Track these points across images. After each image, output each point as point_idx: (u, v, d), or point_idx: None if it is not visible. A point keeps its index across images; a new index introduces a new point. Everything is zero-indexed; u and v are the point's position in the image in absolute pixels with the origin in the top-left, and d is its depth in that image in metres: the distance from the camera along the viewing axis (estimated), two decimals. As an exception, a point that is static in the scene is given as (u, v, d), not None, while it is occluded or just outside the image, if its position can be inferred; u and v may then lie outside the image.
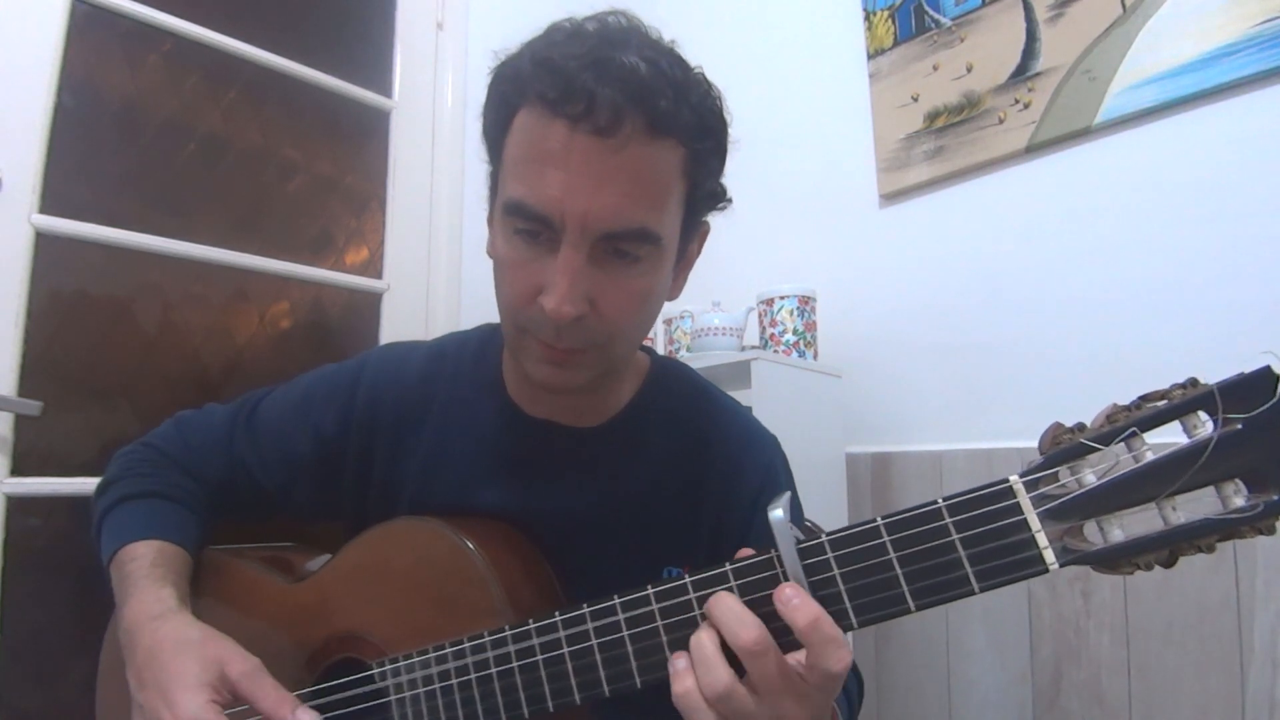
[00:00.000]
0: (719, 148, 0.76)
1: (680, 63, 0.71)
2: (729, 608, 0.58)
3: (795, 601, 0.56)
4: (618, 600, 0.64)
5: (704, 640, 0.58)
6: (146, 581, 0.79)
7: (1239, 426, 0.46)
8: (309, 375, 0.98)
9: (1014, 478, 0.52)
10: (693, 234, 0.81)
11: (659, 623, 0.62)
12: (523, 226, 0.70)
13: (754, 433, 0.95)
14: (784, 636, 0.57)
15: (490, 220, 0.81)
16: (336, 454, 0.92)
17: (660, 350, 1.91)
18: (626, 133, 0.66)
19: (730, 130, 0.76)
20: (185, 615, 0.76)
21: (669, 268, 0.78)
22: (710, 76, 0.76)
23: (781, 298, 1.69)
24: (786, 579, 0.58)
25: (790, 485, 0.94)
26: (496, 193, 0.76)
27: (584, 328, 0.71)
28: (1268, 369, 0.47)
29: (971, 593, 0.53)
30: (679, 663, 0.59)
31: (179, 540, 0.87)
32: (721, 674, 0.56)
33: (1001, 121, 1.59)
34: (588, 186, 0.67)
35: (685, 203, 0.75)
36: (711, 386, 0.97)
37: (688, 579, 0.62)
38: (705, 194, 0.78)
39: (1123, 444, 0.50)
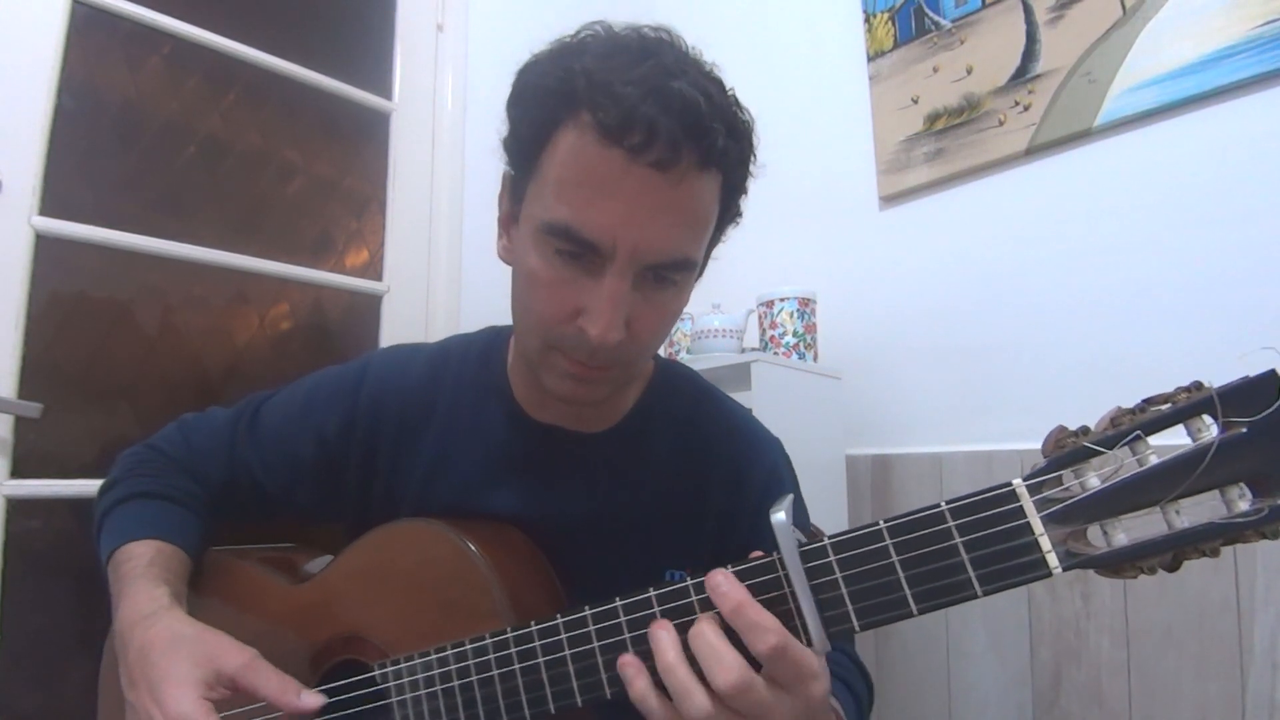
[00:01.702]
0: (748, 175, 0.77)
1: (724, 90, 0.71)
2: (708, 643, 0.57)
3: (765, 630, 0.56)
4: (620, 603, 0.64)
5: (678, 669, 0.58)
6: (141, 581, 0.79)
7: (1243, 430, 0.46)
8: (312, 377, 0.98)
9: (1017, 481, 0.52)
10: (713, 249, 0.82)
11: (661, 626, 0.62)
12: (565, 248, 0.69)
13: (758, 436, 0.95)
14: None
15: (507, 224, 0.81)
16: (339, 456, 0.92)
17: (660, 352, 1.91)
18: (682, 167, 0.66)
19: (757, 151, 0.77)
20: (177, 613, 0.76)
21: (693, 285, 0.80)
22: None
23: (781, 300, 1.69)
24: (789, 582, 0.58)
25: (794, 488, 0.95)
26: (523, 200, 0.75)
27: (618, 348, 0.71)
28: (1272, 373, 0.46)
29: (974, 596, 0.53)
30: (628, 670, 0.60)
31: (177, 541, 0.87)
32: (700, 700, 0.56)
33: (1001, 124, 1.59)
34: (642, 218, 0.67)
35: (716, 225, 0.76)
36: (715, 389, 0.97)
37: (689, 582, 0.61)
38: (730, 216, 0.79)
39: (1126, 447, 0.49)
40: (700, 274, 0.82)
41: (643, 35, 0.71)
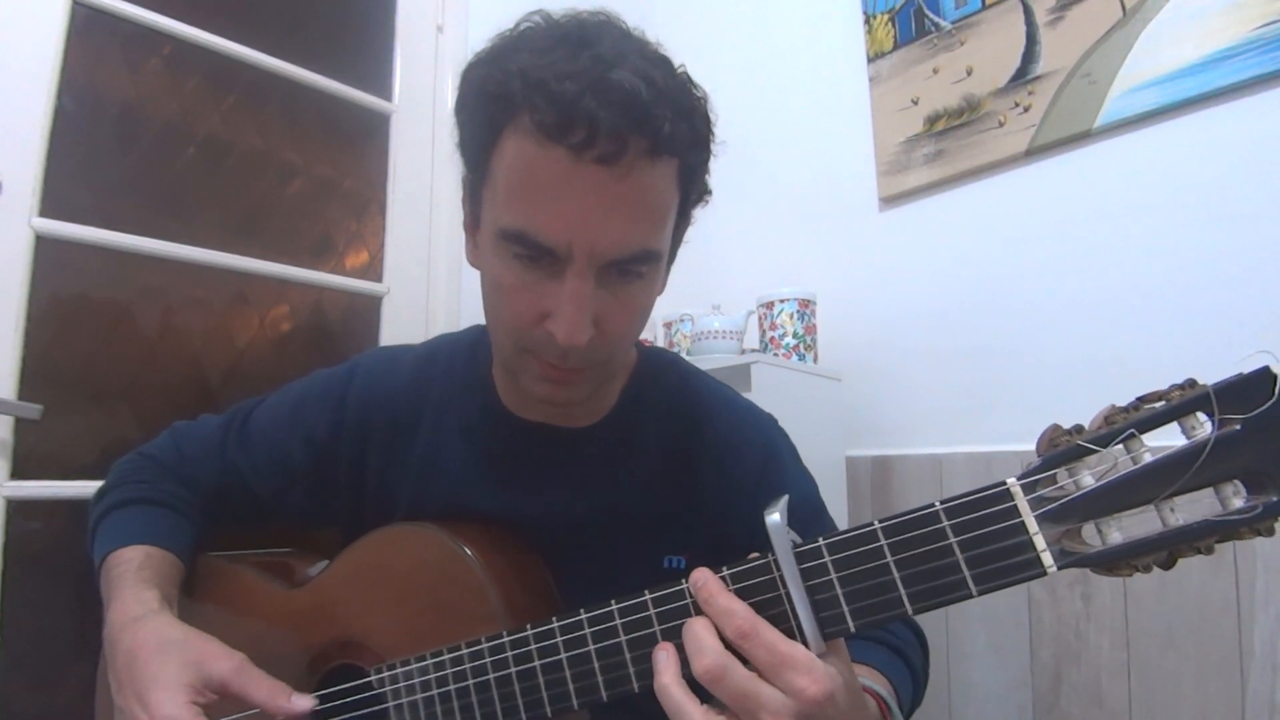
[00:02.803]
0: (708, 153, 0.75)
1: (670, 71, 0.70)
2: (692, 634, 0.58)
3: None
4: (615, 606, 0.64)
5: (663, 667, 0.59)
6: (130, 585, 0.79)
7: (1237, 427, 0.46)
8: (301, 381, 0.98)
9: (1011, 480, 0.52)
10: (682, 234, 0.81)
11: (656, 628, 0.62)
12: (523, 253, 0.68)
13: (746, 414, 0.94)
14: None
15: (470, 229, 0.80)
16: (330, 459, 0.92)
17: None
18: (629, 159, 0.65)
19: (715, 128, 0.75)
20: (166, 616, 0.76)
21: (664, 274, 0.79)
22: (710, 80, 0.75)
23: (781, 301, 1.69)
24: (784, 584, 0.57)
25: (795, 464, 0.94)
26: (480, 205, 0.75)
27: (590, 347, 0.70)
28: (1266, 369, 0.46)
29: (969, 596, 0.52)
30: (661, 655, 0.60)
31: (168, 545, 0.87)
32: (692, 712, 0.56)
33: (1001, 125, 1.59)
34: (594, 217, 0.66)
35: (679, 210, 0.75)
36: (699, 373, 0.97)
37: (684, 584, 0.61)
38: (695, 197, 0.78)
39: (1121, 445, 0.49)
40: (671, 261, 0.80)
41: (581, 23, 0.69)
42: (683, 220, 0.78)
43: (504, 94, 0.66)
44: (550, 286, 0.69)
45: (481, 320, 0.99)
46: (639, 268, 0.71)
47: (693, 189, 0.76)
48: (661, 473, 0.88)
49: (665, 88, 0.66)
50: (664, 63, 0.70)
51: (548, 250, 0.67)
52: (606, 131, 0.63)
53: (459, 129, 0.75)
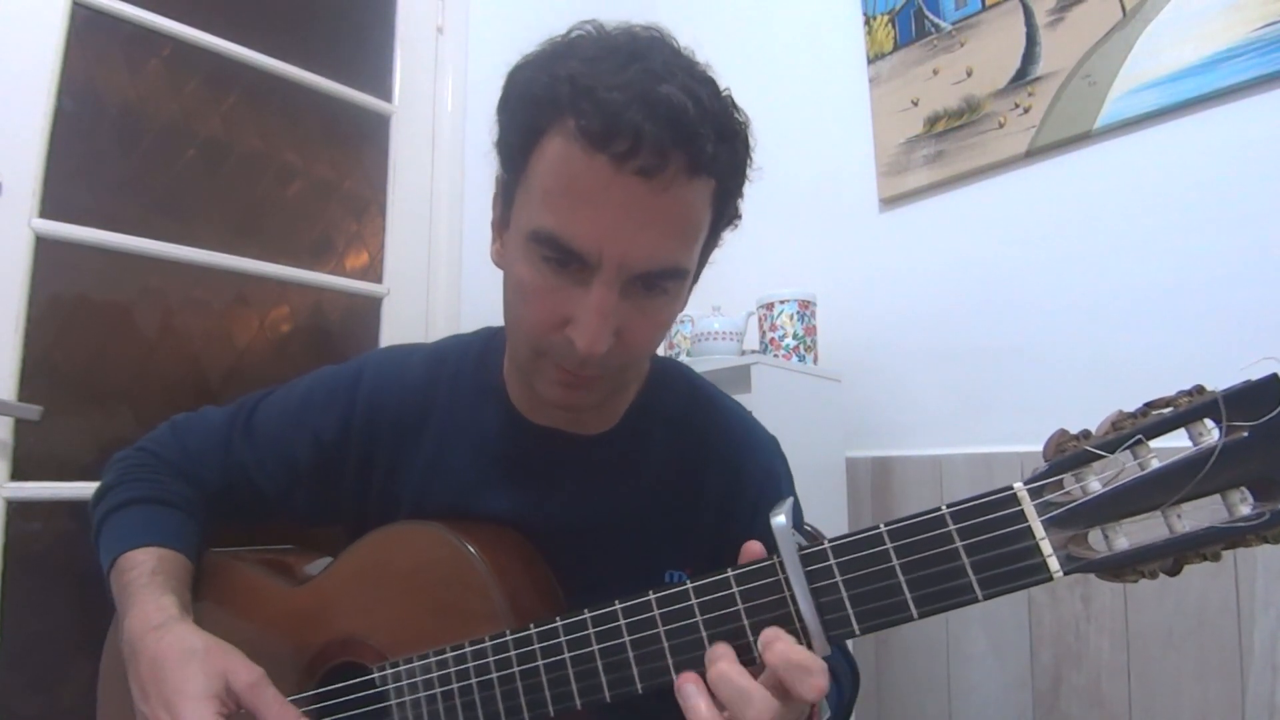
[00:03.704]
0: (744, 178, 0.75)
1: (716, 92, 0.69)
2: (735, 686, 0.56)
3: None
4: (619, 606, 0.64)
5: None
6: (147, 590, 0.79)
7: (1245, 434, 0.46)
8: (308, 378, 0.98)
9: (1018, 485, 0.52)
10: (709, 255, 0.81)
11: (660, 628, 0.62)
12: (552, 256, 0.68)
13: (754, 435, 0.95)
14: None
15: (498, 228, 0.80)
16: (336, 458, 0.91)
17: (660, 351, 1.91)
18: (669, 174, 0.64)
19: (754, 153, 0.75)
20: (187, 624, 0.76)
21: (688, 292, 0.79)
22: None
23: (781, 302, 1.69)
24: (789, 586, 0.57)
25: (790, 488, 0.95)
26: (512, 205, 0.74)
27: (607, 356, 0.70)
28: (1274, 376, 0.46)
29: (975, 600, 0.52)
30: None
31: (178, 546, 0.86)
32: None
33: (1001, 126, 1.59)
34: (629, 228, 0.66)
35: (710, 231, 0.75)
36: (711, 387, 0.97)
37: (689, 584, 0.61)
38: (726, 220, 0.78)
39: (1128, 451, 0.49)
40: (696, 279, 0.80)
41: (633, 36, 0.70)
42: (712, 241, 0.78)
43: (551, 97, 0.66)
44: (575, 293, 0.69)
45: (482, 322, 0.99)
46: (665, 283, 0.71)
47: (725, 211, 0.76)
48: (666, 484, 0.88)
49: (710, 108, 0.66)
50: (710, 83, 0.69)
51: (578, 256, 0.67)
52: (649, 144, 0.63)
53: (499, 128, 0.75)
